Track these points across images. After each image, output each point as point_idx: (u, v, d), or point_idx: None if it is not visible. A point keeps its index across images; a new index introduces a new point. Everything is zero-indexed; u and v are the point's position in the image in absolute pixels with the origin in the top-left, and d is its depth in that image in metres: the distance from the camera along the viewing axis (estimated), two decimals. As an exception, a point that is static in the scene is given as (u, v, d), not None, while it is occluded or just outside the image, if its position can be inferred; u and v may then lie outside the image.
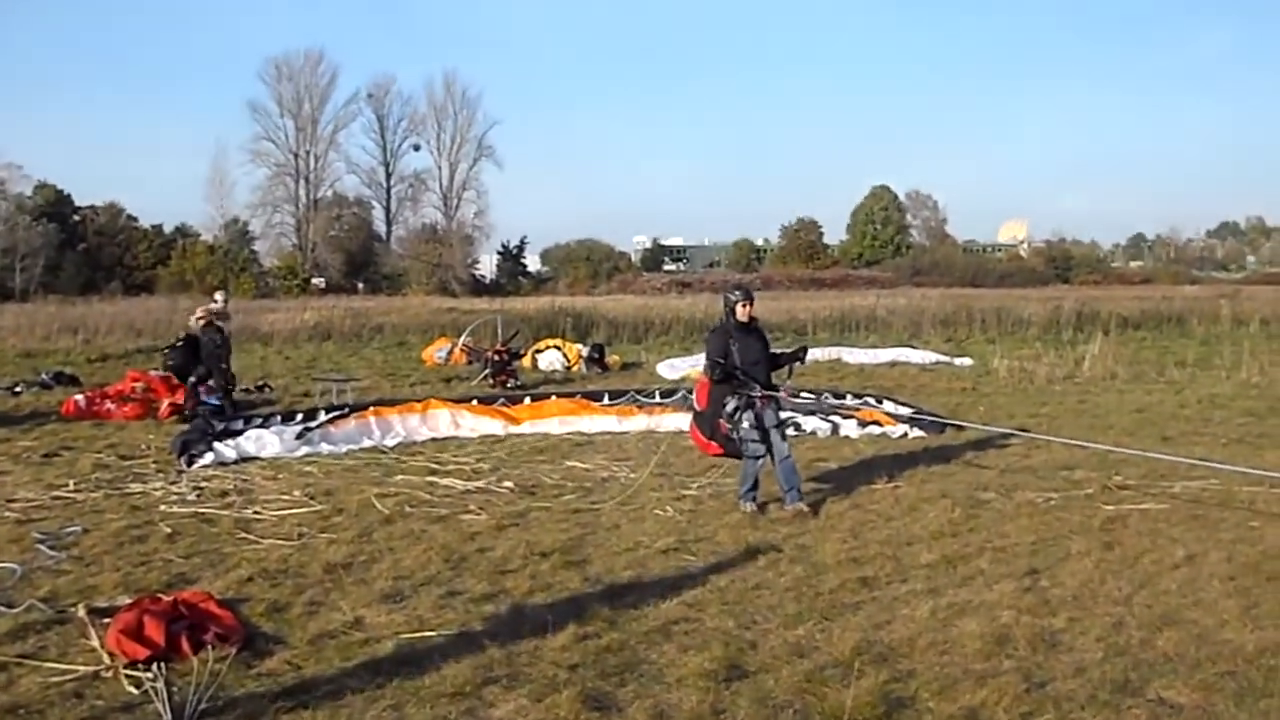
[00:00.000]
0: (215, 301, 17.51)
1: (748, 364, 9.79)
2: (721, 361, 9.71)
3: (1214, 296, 45.31)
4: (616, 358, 24.26)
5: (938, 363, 24.26)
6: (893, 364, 23.92)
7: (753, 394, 9.72)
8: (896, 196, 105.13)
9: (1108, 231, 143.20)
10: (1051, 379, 20.55)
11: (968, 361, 24.41)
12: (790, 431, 10.91)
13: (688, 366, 22.08)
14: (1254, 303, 40.24)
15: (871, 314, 35.39)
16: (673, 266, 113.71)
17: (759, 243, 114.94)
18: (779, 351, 10.53)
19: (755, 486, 9.74)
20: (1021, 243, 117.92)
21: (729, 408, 9.69)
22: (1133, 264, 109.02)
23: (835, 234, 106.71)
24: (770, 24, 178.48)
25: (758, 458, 9.70)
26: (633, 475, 11.23)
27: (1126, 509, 9.49)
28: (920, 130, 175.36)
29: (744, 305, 9.91)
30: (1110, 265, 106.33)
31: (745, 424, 9.68)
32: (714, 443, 9.97)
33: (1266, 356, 21.98)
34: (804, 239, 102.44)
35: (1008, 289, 64.07)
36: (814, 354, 24.33)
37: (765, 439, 9.70)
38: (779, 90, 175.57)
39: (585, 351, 23.29)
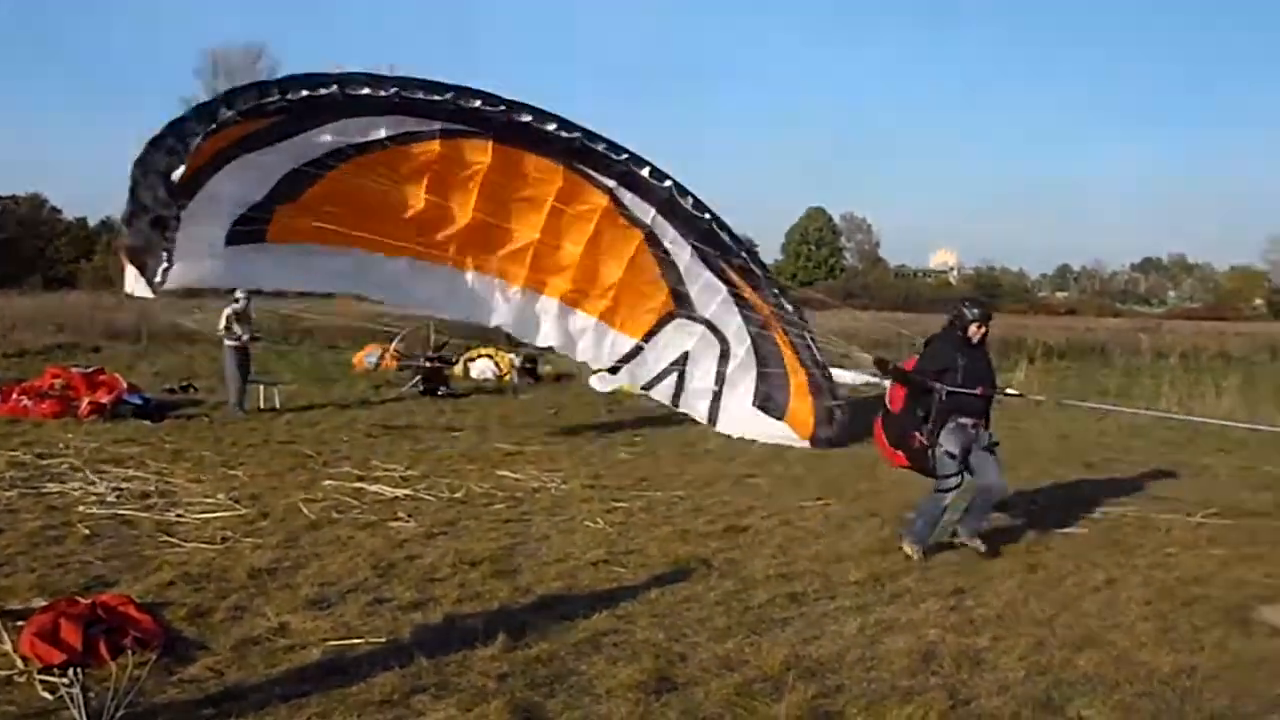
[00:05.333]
0: (236, 301, 16.61)
1: (969, 386, 8.75)
2: (938, 377, 8.75)
3: (1135, 329, 46.42)
4: (550, 369, 24.17)
5: (868, 383, 24.45)
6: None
7: (964, 419, 8.79)
8: (831, 219, 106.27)
9: (1035, 262, 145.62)
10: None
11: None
12: None
13: (620, 380, 22.03)
14: (1174, 336, 41.32)
15: (804, 333, 35.59)
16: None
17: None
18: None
19: (932, 526, 8.85)
20: (951, 270, 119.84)
21: (931, 425, 8.79)
22: (1058, 294, 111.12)
23: (770, 254, 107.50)
24: (707, 44, 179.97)
25: (948, 489, 8.75)
26: (564, 486, 11.21)
27: (1048, 532, 9.67)
28: (855, 154, 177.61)
29: (979, 326, 8.90)
30: (1037, 295, 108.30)
31: (946, 445, 8.73)
32: (899, 453, 9.21)
33: (1185, 389, 22.51)
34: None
35: (937, 314, 64.93)
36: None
37: (964, 468, 8.79)
38: (716, 109, 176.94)
39: (518, 362, 23.15)
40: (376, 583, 7.48)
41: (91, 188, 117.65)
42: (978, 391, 8.76)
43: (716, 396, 14.95)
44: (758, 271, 14.88)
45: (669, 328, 14.83)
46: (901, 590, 7.70)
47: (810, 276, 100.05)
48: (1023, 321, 55.89)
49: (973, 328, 8.88)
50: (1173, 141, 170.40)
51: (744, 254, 14.66)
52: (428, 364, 20.01)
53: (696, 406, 15.21)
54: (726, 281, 14.39)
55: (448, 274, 14.14)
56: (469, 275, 14.23)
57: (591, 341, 15.06)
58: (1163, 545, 9.37)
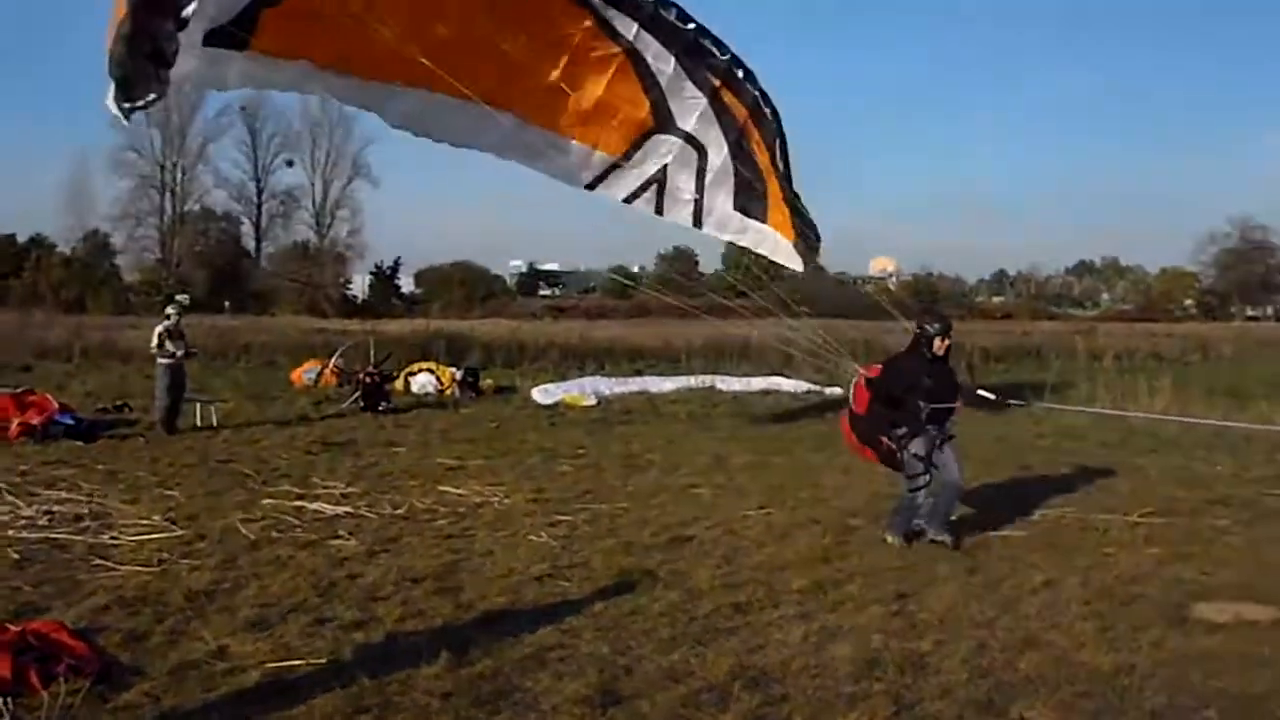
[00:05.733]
0: (168, 318, 16.34)
1: (937, 402, 9.31)
2: (902, 394, 9.32)
3: (1070, 332, 47.17)
4: (490, 382, 24.07)
5: (809, 391, 24.66)
6: (765, 392, 24.26)
7: (930, 427, 9.36)
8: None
9: (972, 267, 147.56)
10: (918, 408, 21.02)
11: (839, 391, 24.83)
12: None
13: (562, 392, 22.05)
14: (1108, 339, 42.02)
15: (745, 342, 35.81)
16: (548, 292, 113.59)
17: (635, 269, 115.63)
18: (985, 395, 10.18)
19: (909, 519, 9.48)
20: (890, 276, 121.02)
21: (900, 431, 9.38)
22: (995, 299, 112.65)
23: (711, 262, 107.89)
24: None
25: (918, 489, 9.38)
26: (507, 500, 11.16)
27: (988, 535, 9.78)
28: (797, 162, 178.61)
29: (942, 340, 9.41)
30: (974, 300, 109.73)
31: (914, 449, 9.37)
32: (868, 449, 9.92)
33: (1119, 390, 22.90)
34: (680, 267, 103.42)
35: (876, 320, 65.60)
36: (687, 381, 24.69)
37: (930, 467, 9.37)
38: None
39: (458, 375, 23.03)
40: (317, 602, 7.38)
41: (18, 204, 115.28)
42: (955, 405, 9.44)
43: (698, 203, 14.86)
44: (738, 73, 14.65)
45: (648, 144, 14.64)
46: (845, 597, 7.74)
47: (751, 286, 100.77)
48: (961, 326, 56.48)
49: (937, 342, 9.39)
50: (1103, 146, 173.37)
51: (726, 57, 14.38)
52: (368, 379, 19.80)
53: (680, 214, 15.08)
54: (708, 91, 14.24)
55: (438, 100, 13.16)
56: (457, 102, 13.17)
57: (573, 163, 14.71)
58: (1100, 545, 9.52)
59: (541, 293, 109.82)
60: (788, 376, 27.59)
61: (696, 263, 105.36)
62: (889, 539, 9.41)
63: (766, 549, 9.22)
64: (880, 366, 9.95)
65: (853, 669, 6.17)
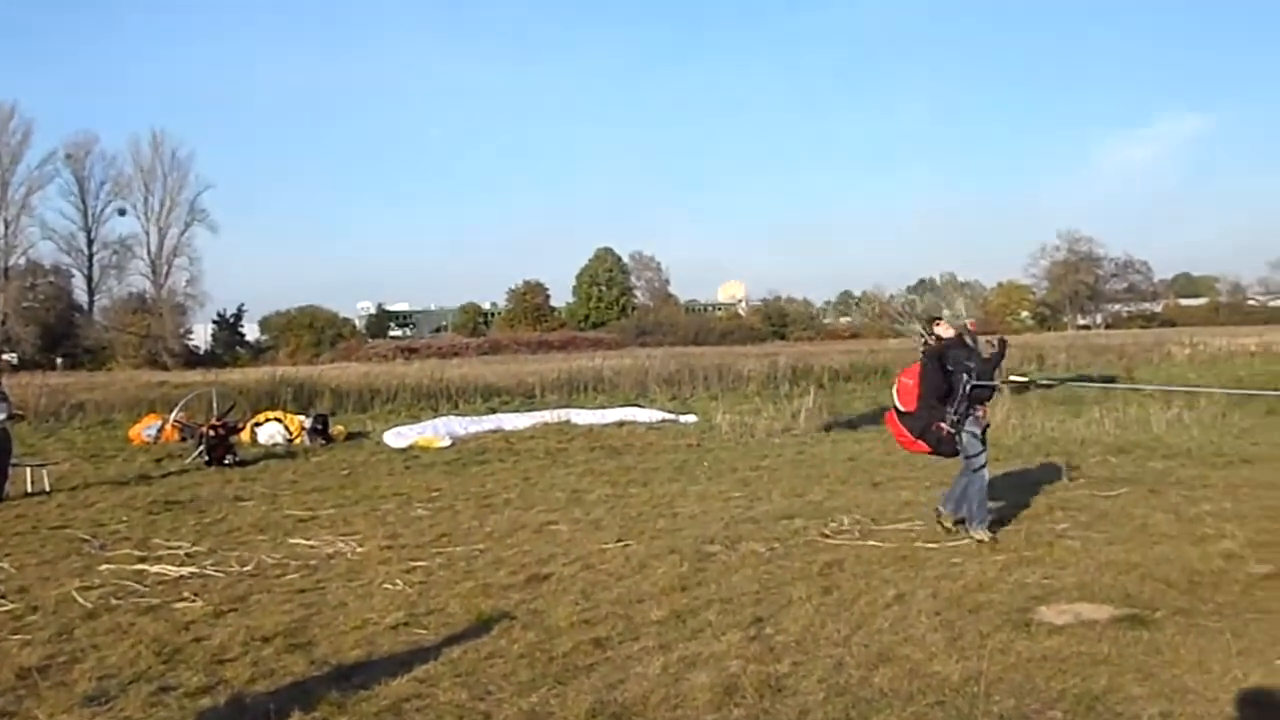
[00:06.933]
0: None
1: (983, 377, 10.53)
2: (954, 377, 10.42)
3: (914, 349, 48.48)
4: (341, 428, 23.56)
5: (664, 421, 24.84)
6: (620, 423, 24.32)
7: (978, 407, 10.52)
8: (620, 259, 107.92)
9: (819, 289, 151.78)
10: (770, 432, 21.44)
11: (692, 418, 25.14)
12: None
13: (415, 434, 21.72)
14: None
15: (598, 375, 35.93)
16: (399, 332, 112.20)
17: (486, 306, 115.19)
18: (1017, 379, 12.26)
19: (985, 505, 10.46)
20: (740, 302, 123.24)
21: (954, 415, 10.39)
22: (842, 319, 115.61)
23: (562, 296, 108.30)
24: (483, 90, 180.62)
25: (981, 466, 10.40)
26: (360, 549, 10.91)
27: (842, 553, 9.98)
28: (639, 194, 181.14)
29: (972, 323, 11.06)
30: (822, 321, 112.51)
31: (970, 428, 10.47)
32: (922, 441, 10.67)
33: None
34: (531, 302, 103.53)
35: (728, 346, 66.62)
36: (542, 416, 24.61)
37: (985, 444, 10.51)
38: (500, 151, 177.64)
39: (308, 423, 22.49)
40: (161, 670, 7.06)
41: None
42: (995, 384, 10.73)
43: None
44: None
45: None
46: (703, 625, 7.79)
47: (602, 317, 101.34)
48: (810, 348, 58.07)
49: (969, 324, 10.99)
50: (936, 166, 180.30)
51: None
52: (212, 432, 19.15)
53: None
54: None
55: None
56: None
57: None
58: (948, 556, 9.81)
59: (392, 333, 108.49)
60: (642, 407, 27.80)
61: (548, 296, 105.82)
62: (978, 536, 10.24)
63: (625, 582, 9.22)
64: (919, 364, 10.81)
65: (712, 696, 6.20)
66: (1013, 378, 11.79)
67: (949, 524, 10.60)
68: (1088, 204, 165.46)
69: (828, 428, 22.02)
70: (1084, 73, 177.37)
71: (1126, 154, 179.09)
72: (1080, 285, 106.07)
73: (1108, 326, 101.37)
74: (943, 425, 10.47)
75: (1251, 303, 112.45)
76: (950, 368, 10.49)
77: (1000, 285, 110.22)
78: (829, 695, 6.22)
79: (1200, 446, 17.02)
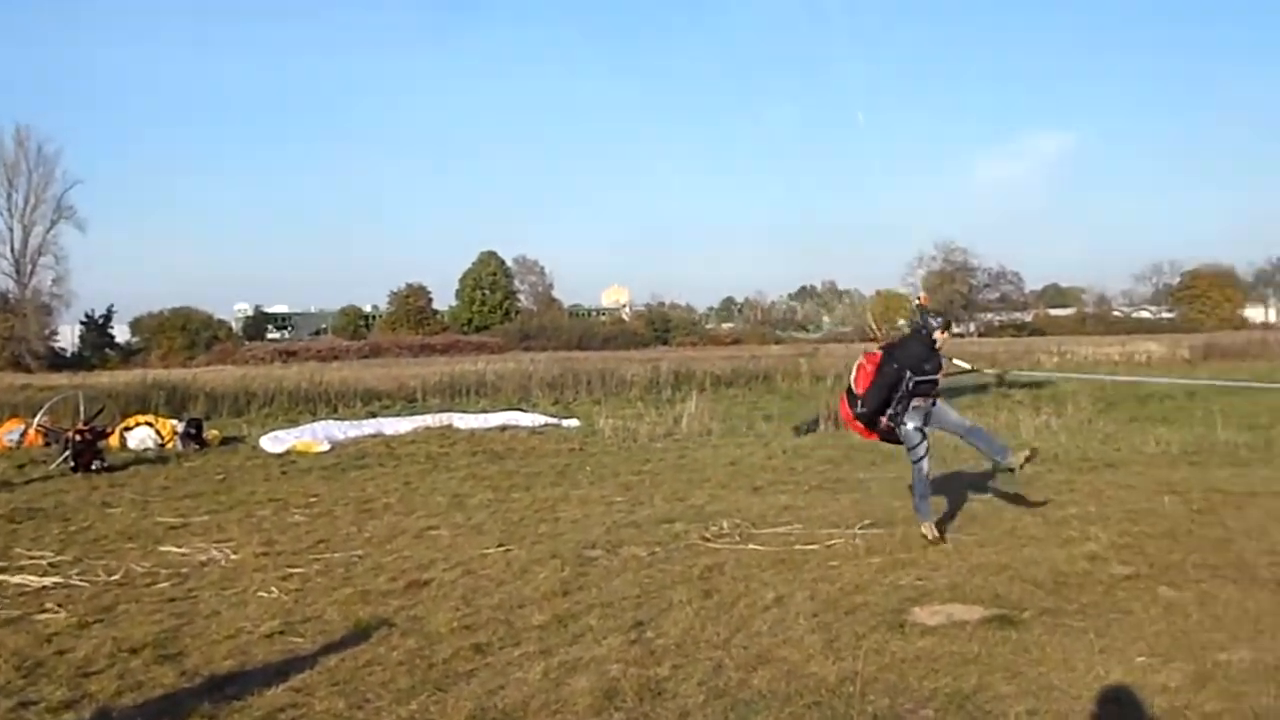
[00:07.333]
0: None
1: (930, 373, 10.68)
2: (904, 372, 10.49)
3: (795, 355, 49.43)
4: (216, 433, 22.95)
5: (547, 425, 24.77)
6: (503, 427, 24.17)
7: (919, 401, 10.64)
8: (504, 262, 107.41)
9: (702, 295, 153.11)
10: (653, 437, 21.54)
11: (575, 423, 25.12)
12: None
13: (293, 439, 21.27)
14: (830, 359, 44.21)
15: (481, 379, 35.69)
16: (277, 335, 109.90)
17: (367, 309, 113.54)
18: (960, 365, 11.96)
19: (927, 497, 10.70)
20: (624, 307, 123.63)
21: (894, 409, 10.57)
22: (724, 326, 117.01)
23: (445, 299, 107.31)
24: (367, 89, 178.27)
25: (921, 458, 10.56)
26: (235, 556, 10.65)
27: (723, 557, 10.09)
28: (524, 197, 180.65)
29: (943, 332, 10.84)
30: (705, 327, 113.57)
31: (910, 424, 10.60)
32: (866, 429, 10.94)
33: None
34: (413, 305, 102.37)
35: (612, 351, 66.81)
36: (424, 420, 24.34)
37: (925, 436, 10.65)
38: (381, 153, 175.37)
39: (180, 427, 21.84)
40: (21, 685, 6.79)
41: None
42: (937, 376, 10.79)
43: None
44: None
45: None
46: (584, 629, 7.80)
47: (485, 321, 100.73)
48: (692, 354, 58.59)
49: (938, 334, 10.76)
50: (816, 175, 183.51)
51: None
52: (78, 436, 18.46)
53: None
54: None
55: None
56: None
57: None
58: (826, 559, 9.97)
59: (270, 335, 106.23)
60: (524, 410, 27.70)
61: (431, 299, 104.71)
62: (924, 533, 10.46)
63: (506, 587, 9.18)
64: (881, 351, 10.91)
65: (592, 701, 6.22)
66: (956, 361, 12.04)
67: (1011, 462, 10.92)
68: (963, 216, 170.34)
69: (799, 431, 22.25)
70: (957, 89, 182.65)
71: (997, 168, 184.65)
72: (955, 294, 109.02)
73: (981, 335, 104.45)
74: (883, 419, 10.71)
75: (1116, 314, 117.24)
76: (898, 365, 10.64)
77: (878, 293, 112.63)
78: (708, 698, 6.28)
79: (1067, 451, 17.60)
